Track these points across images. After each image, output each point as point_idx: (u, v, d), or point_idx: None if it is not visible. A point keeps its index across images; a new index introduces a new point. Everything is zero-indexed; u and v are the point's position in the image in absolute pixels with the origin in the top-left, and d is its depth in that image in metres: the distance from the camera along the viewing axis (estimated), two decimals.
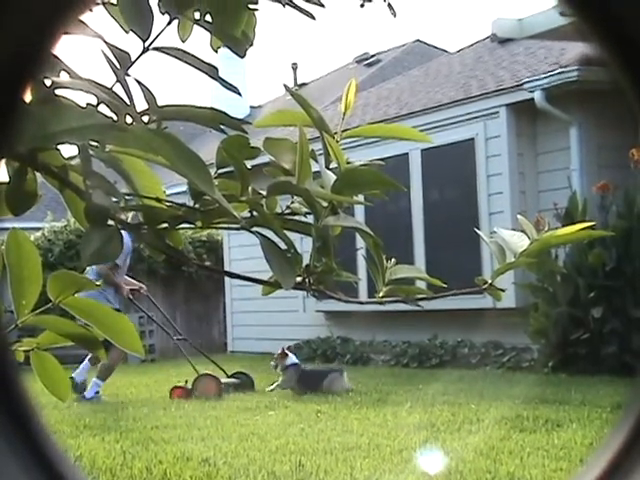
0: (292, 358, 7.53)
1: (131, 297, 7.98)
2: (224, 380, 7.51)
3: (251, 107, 22.46)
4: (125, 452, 4.63)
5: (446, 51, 18.56)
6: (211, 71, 1.07)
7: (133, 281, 8.43)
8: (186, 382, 7.23)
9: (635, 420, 0.70)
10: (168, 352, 13.29)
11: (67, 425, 5.72)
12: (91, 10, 1.07)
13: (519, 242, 1.25)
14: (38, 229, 13.27)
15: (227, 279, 13.59)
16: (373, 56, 22.29)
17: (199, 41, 1.41)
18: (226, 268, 12.86)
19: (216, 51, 1.42)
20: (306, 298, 11.27)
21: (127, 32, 1.14)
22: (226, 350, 13.45)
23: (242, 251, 11.99)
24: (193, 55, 1.07)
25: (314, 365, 9.33)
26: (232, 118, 1.04)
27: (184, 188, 1.17)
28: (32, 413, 0.77)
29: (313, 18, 1.32)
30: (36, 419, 0.77)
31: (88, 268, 7.92)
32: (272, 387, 7.48)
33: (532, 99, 8.64)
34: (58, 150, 1.10)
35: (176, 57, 1.07)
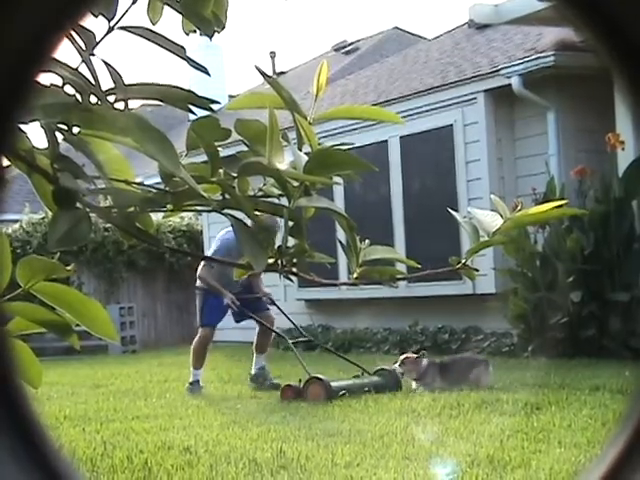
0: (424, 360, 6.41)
1: (233, 306, 6.89)
2: (365, 380, 6.38)
3: (229, 96, 22.35)
4: (106, 442, 4.61)
5: (424, 38, 18.57)
6: (179, 51, 1.06)
7: (263, 288, 7.24)
8: (300, 381, 6.25)
9: (638, 422, 0.70)
10: (149, 343, 13.26)
11: (47, 416, 5.68)
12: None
13: (492, 222, 1.26)
14: (16, 221, 13.16)
15: None
16: (351, 44, 22.23)
17: (175, 35, 1.40)
18: None
19: (187, 34, 1.41)
20: (287, 286, 11.27)
21: (96, 16, 1.12)
22: None
23: None
24: (160, 34, 1.05)
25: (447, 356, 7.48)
26: (200, 97, 1.03)
27: None
28: (30, 411, 0.76)
29: None
30: (34, 416, 0.76)
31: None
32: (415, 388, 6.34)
33: (509, 85, 8.66)
34: (25, 133, 1.09)
35: (143, 37, 1.05)
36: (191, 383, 7.03)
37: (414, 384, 6.32)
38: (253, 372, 7.13)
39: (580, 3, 0.69)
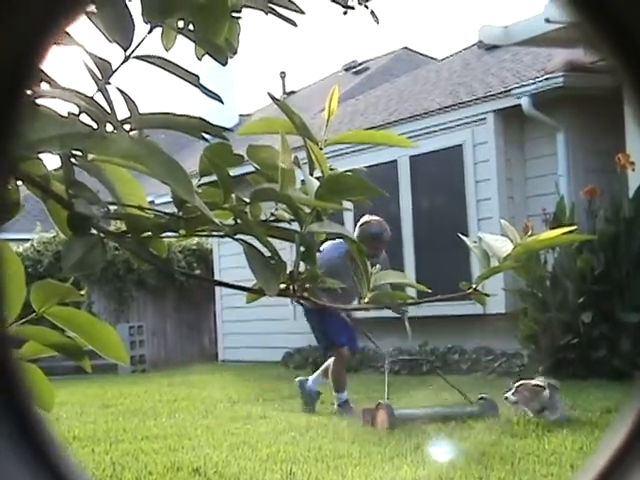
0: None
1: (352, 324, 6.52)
2: (456, 409, 5.91)
3: (240, 116, 22.49)
4: (115, 463, 4.60)
5: (434, 58, 18.63)
6: (192, 79, 1.07)
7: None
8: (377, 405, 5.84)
9: (634, 421, 0.70)
10: (159, 362, 13.25)
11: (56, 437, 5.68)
12: (78, 19, 1.07)
13: (503, 247, 1.26)
14: (27, 240, 13.22)
15: (217, 288, 13.58)
16: (361, 64, 22.37)
17: (186, 53, 1.42)
18: (216, 277, 12.83)
19: (200, 59, 1.43)
20: (297, 306, 11.26)
21: (111, 42, 1.14)
22: (217, 359, 13.42)
23: (232, 260, 11.97)
24: (175, 63, 1.07)
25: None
26: (213, 125, 1.04)
27: None
28: (36, 418, 0.77)
29: (295, 25, 1.33)
30: (41, 424, 0.77)
31: None
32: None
33: (519, 105, 8.68)
34: (40, 159, 1.10)
35: (158, 65, 1.07)
36: (339, 405, 6.60)
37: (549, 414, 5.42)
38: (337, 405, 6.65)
39: (590, 4, 0.69)
